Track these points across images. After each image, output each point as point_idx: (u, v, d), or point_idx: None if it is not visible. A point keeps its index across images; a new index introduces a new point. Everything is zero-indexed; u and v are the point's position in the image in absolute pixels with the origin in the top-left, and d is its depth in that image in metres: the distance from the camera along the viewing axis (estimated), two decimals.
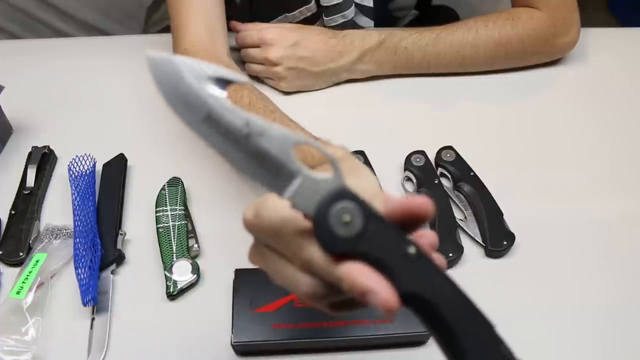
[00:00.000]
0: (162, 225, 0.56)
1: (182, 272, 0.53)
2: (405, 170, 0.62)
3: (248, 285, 0.50)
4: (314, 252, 0.28)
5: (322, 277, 0.28)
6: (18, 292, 0.51)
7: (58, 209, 0.60)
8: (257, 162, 0.28)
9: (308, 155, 0.45)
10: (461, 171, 0.61)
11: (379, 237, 0.27)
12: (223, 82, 0.28)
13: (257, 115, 0.27)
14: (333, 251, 0.27)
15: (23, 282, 0.51)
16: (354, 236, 0.27)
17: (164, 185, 0.60)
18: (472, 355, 0.27)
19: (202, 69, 0.27)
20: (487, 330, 0.28)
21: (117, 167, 0.63)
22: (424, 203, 0.27)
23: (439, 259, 0.29)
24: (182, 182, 0.60)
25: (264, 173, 0.28)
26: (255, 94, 0.58)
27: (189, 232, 0.56)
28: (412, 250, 0.27)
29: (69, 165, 0.61)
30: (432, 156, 0.63)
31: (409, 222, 0.28)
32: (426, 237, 0.29)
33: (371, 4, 0.78)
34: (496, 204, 0.58)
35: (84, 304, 0.50)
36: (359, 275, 0.26)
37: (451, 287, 0.28)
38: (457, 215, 0.58)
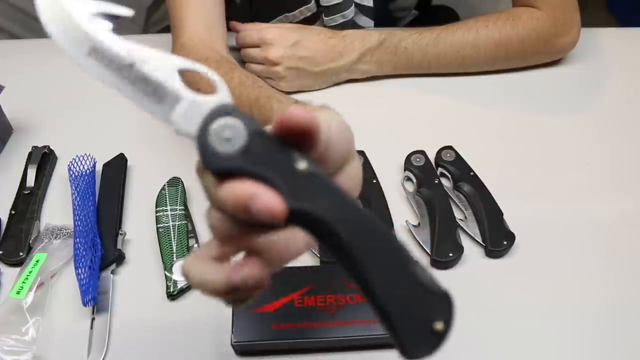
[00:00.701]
0: (162, 225, 0.56)
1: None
2: (405, 170, 0.62)
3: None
4: (208, 178, 0.27)
5: (217, 205, 0.28)
6: (18, 292, 0.51)
7: (58, 208, 0.60)
8: (143, 89, 0.28)
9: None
10: (461, 171, 0.61)
11: (263, 153, 0.26)
12: (108, 17, 0.28)
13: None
14: (214, 168, 0.26)
15: (23, 282, 0.51)
16: (236, 152, 0.26)
17: (164, 185, 0.60)
18: (379, 281, 0.25)
19: (88, 6, 0.28)
20: (395, 252, 0.26)
21: (117, 167, 0.63)
22: (298, 113, 0.26)
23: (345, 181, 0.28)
24: (182, 182, 0.60)
25: (150, 100, 0.28)
26: (244, 73, 0.58)
27: (189, 232, 0.56)
28: (301, 165, 0.26)
29: (69, 165, 0.61)
30: (432, 156, 0.63)
31: (299, 138, 0.26)
32: (342, 179, 0.27)
33: (371, 4, 0.78)
34: (496, 203, 0.58)
35: (84, 304, 0.50)
36: (240, 186, 0.25)
37: (347, 205, 0.26)
38: (457, 215, 0.58)
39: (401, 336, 0.25)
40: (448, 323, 0.25)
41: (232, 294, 0.28)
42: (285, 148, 0.26)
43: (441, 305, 0.26)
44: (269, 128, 0.27)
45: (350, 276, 0.27)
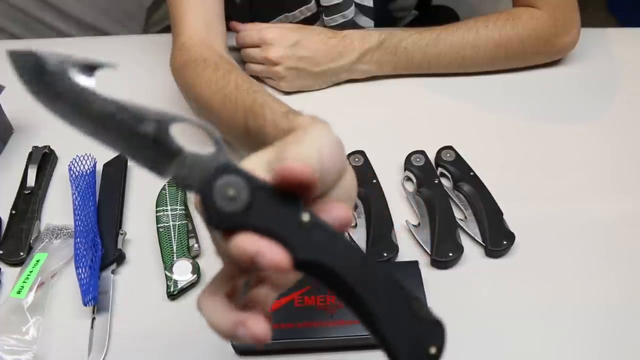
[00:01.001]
0: (162, 225, 0.57)
1: (182, 272, 0.53)
2: (405, 170, 0.63)
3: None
4: (215, 234, 0.28)
5: (226, 258, 0.29)
6: (19, 292, 0.51)
7: (58, 208, 0.60)
8: (136, 145, 0.28)
9: (271, 125, 0.45)
10: (461, 171, 0.61)
11: (267, 208, 0.27)
12: (89, 68, 0.28)
13: (152, 110, 0.28)
14: (221, 227, 0.27)
15: (24, 282, 0.52)
16: (241, 210, 0.26)
17: (165, 185, 0.60)
18: (382, 316, 0.28)
19: (67, 58, 0.28)
20: (393, 290, 0.28)
21: (118, 167, 0.63)
22: (294, 166, 0.26)
23: (339, 219, 0.28)
24: None
25: (144, 155, 0.28)
26: (241, 76, 0.58)
27: (190, 231, 0.56)
28: (305, 217, 0.27)
29: (69, 165, 0.61)
30: (432, 156, 0.63)
31: (296, 189, 0.27)
32: (331, 210, 0.28)
33: (371, 4, 0.78)
34: (496, 203, 0.58)
35: (85, 304, 0.50)
36: (246, 241, 0.26)
37: (350, 252, 0.28)
38: (457, 215, 0.58)
39: None
40: (440, 348, 0.28)
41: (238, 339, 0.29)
42: (287, 201, 0.27)
43: (435, 333, 0.29)
44: (268, 177, 0.28)
45: (356, 314, 0.29)
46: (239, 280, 0.31)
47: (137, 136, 0.28)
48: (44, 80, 0.28)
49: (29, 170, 0.62)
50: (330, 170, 0.30)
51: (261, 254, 0.26)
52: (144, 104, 0.28)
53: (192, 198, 0.61)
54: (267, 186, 0.27)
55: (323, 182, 0.30)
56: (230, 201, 0.27)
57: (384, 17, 0.83)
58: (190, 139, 0.29)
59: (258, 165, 0.31)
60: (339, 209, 0.28)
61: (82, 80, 0.28)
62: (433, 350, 0.28)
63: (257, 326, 0.28)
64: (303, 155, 0.29)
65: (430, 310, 0.29)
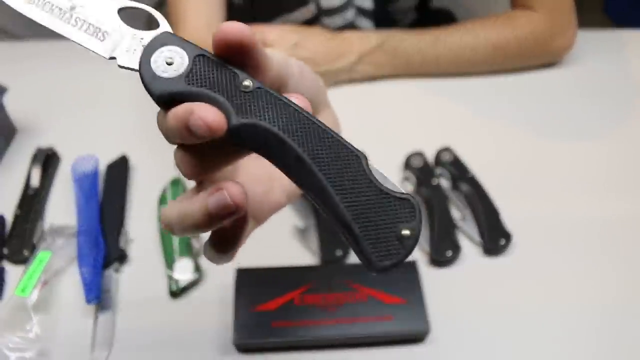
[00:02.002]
0: None
1: (184, 271, 0.54)
2: (404, 171, 0.63)
3: (249, 284, 0.50)
4: (160, 114, 0.28)
5: (170, 138, 0.27)
6: (23, 290, 0.51)
7: (62, 208, 0.61)
8: (85, 29, 0.28)
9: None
10: (459, 172, 0.62)
11: (207, 75, 0.26)
12: None
13: None
14: (159, 93, 0.26)
15: (28, 280, 0.52)
16: (179, 76, 0.26)
17: (166, 185, 0.61)
18: (335, 189, 0.25)
19: None
20: (350, 159, 0.25)
21: (120, 168, 0.63)
22: (232, 27, 0.26)
23: (300, 99, 0.27)
24: (183, 182, 0.61)
25: (92, 39, 0.28)
26: None
27: None
28: (247, 82, 0.26)
29: (72, 166, 0.61)
30: (430, 157, 0.64)
31: (235, 51, 0.26)
32: (291, 96, 0.27)
33: (371, 7, 0.79)
34: (494, 203, 0.59)
35: (88, 302, 0.51)
36: (180, 107, 0.25)
37: (296, 114, 0.26)
38: (456, 215, 0.59)
39: (365, 245, 0.24)
40: (414, 229, 0.25)
41: (213, 224, 0.27)
42: (229, 68, 0.26)
43: (405, 210, 0.25)
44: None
45: (307, 191, 0.26)
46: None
47: (85, 21, 0.29)
48: None
49: (33, 171, 0.62)
50: (299, 84, 0.30)
51: (193, 113, 0.24)
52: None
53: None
54: (208, 54, 0.27)
55: (277, 68, 0.29)
56: (168, 67, 0.26)
57: (383, 19, 0.84)
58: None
59: None
60: (296, 96, 0.27)
61: None
62: (406, 232, 0.24)
63: (230, 187, 0.26)
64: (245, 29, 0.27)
65: (397, 187, 0.25)
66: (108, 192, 0.61)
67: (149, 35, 0.27)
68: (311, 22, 0.79)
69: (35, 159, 0.64)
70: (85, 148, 0.64)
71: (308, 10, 0.77)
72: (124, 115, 0.71)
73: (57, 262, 0.55)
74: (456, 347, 0.50)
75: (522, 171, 0.65)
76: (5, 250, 0.56)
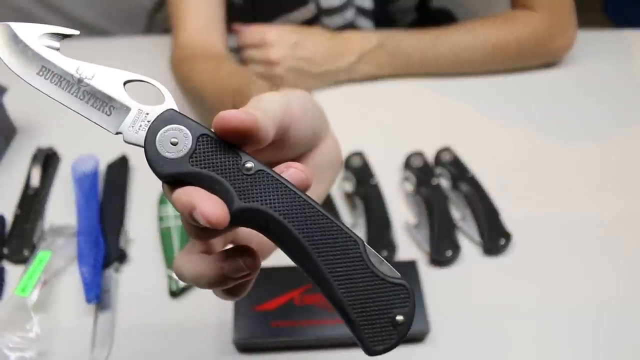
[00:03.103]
0: (164, 225, 0.57)
1: None
2: (404, 171, 0.63)
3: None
4: (164, 187, 0.28)
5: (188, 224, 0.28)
6: (23, 290, 0.51)
7: (62, 208, 0.61)
8: (92, 103, 0.29)
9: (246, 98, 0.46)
10: (459, 171, 0.62)
11: (209, 155, 0.26)
12: (56, 37, 0.30)
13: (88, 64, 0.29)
14: (163, 174, 0.26)
15: (28, 280, 0.52)
16: (183, 156, 0.26)
17: None
18: (334, 275, 0.25)
19: (36, 28, 0.29)
20: (348, 244, 0.26)
21: (120, 168, 0.63)
22: (232, 115, 0.26)
23: (297, 173, 0.27)
24: None
25: (99, 113, 0.29)
26: (233, 65, 0.59)
27: None
28: (249, 164, 0.26)
29: (72, 166, 0.62)
30: (430, 157, 0.64)
31: (237, 137, 0.27)
32: (290, 168, 0.27)
33: (371, 7, 0.79)
34: (493, 203, 0.59)
35: (88, 302, 0.51)
36: (183, 194, 0.26)
37: (296, 199, 0.26)
38: (456, 214, 0.59)
39: (361, 331, 0.25)
40: (408, 315, 0.25)
41: (227, 284, 0.28)
42: (231, 148, 0.27)
43: (400, 297, 0.26)
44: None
45: (305, 272, 0.26)
46: (213, 244, 0.30)
47: (92, 93, 0.29)
48: (16, 50, 0.29)
49: (33, 171, 0.62)
50: (301, 127, 0.30)
51: (196, 206, 0.25)
52: (98, 66, 0.29)
53: None
54: (211, 133, 0.27)
55: (293, 137, 0.29)
56: (172, 147, 0.27)
57: (383, 19, 0.84)
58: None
59: None
60: (294, 167, 0.27)
61: (48, 45, 0.29)
62: (400, 317, 0.25)
63: (244, 257, 0.26)
64: (261, 105, 0.28)
65: (393, 269, 0.26)
66: (108, 192, 0.61)
67: (154, 112, 0.28)
68: (311, 22, 0.79)
69: (35, 159, 0.64)
70: (85, 148, 0.64)
71: (308, 10, 0.77)
72: None
73: (57, 262, 0.55)
74: (456, 347, 0.50)
75: (522, 171, 0.65)
76: (5, 250, 0.56)
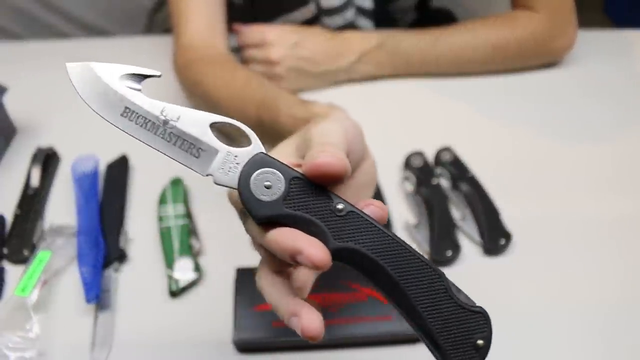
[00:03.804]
0: (164, 225, 0.57)
1: (184, 271, 0.54)
2: (404, 170, 0.63)
3: (249, 284, 0.50)
4: (251, 226, 0.29)
5: (265, 250, 0.30)
6: (23, 290, 0.51)
7: (62, 208, 0.61)
8: (179, 145, 0.29)
9: (286, 115, 0.47)
10: (459, 171, 0.62)
11: (302, 197, 0.28)
12: (137, 77, 0.30)
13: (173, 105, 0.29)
14: (260, 216, 0.28)
15: (28, 280, 0.52)
16: (278, 199, 0.28)
17: (166, 185, 0.61)
18: (423, 306, 0.28)
19: (117, 69, 0.30)
20: (432, 277, 0.28)
21: (120, 168, 0.63)
22: (327, 160, 0.27)
23: (377, 211, 0.29)
24: (183, 182, 0.61)
25: (187, 155, 0.29)
26: (247, 73, 0.60)
27: (191, 231, 0.57)
28: (340, 205, 0.28)
29: (72, 166, 0.62)
30: (430, 157, 0.64)
31: (329, 181, 0.28)
32: (370, 206, 0.29)
33: (371, 6, 0.79)
34: (494, 203, 0.59)
35: (88, 301, 0.51)
36: (284, 237, 0.27)
37: (386, 238, 0.28)
38: (456, 214, 0.59)
39: (448, 356, 0.28)
40: (487, 339, 0.28)
41: None
42: (322, 191, 0.28)
43: (480, 323, 0.28)
44: (300, 169, 0.29)
45: (395, 304, 0.29)
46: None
47: (178, 136, 0.29)
48: (99, 92, 0.29)
49: (33, 171, 0.62)
50: (355, 152, 0.31)
51: (301, 250, 0.26)
52: (183, 108, 0.30)
53: (194, 198, 0.61)
54: (302, 177, 0.28)
55: (350, 160, 0.30)
56: (266, 191, 0.28)
57: (383, 19, 0.84)
58: (227, 137, 0.30)
59: (288, 152, 0.32)
60: (374, 204, 0.29)
61: (131, 86, 0.30)
62: (480, 341, 0.28)
63: (309, 321, 0.28)
64: (331, 143, 0.29)
65: (469, 298, 0.29)
66: (108, 192, 0.61)
67: (242, 154, 0.29)
68: (311, 22, 0.79)
69: (35, 158, 0.64)
70: (85, 148, 0.64)
71: (308, 10, 0.77)
72: None
73: (57, 262, 0.55)
74: None
75: (522, 171, 0.65)
76: (5, 250, 0.56)
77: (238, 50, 0.75)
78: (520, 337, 0.50)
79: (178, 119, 0.29)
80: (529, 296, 0.53)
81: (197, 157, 0.29)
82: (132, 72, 0.30)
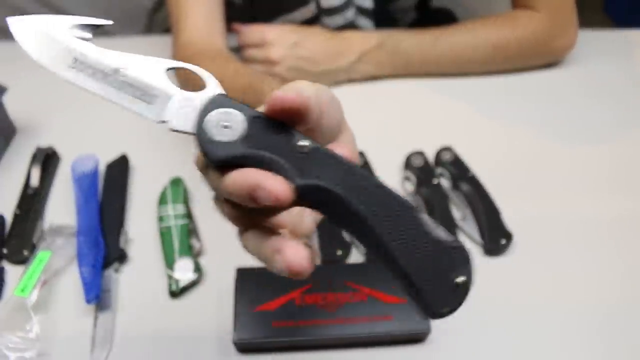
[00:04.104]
0: (164, 225, 0.57)
1: (184, 271, 0.54)
2: (404, 170, 0.63)
3: (249, 284, 0.50)
4: (212, 173, 0.28)
5: (224, 196, 0.28)
6: (22, 290, 0.51)
7: (62, 208, 0.61)
8: (131, 93, 0.28)
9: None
10: (460, 171, 0.62)
11: (263, 136, 0.26)
12: (87, 27, 0.29)
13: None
14: (217, 158, 0.26)
15: (27, 280, 0.52)
16: (237, 140, 0.26)
17: (166, 185, 0.60)
18: (395, 244, 0.26)
19: (65, 20, 0.29)
20: (406, 213, 0.26)
21: (120, 168, 0.63)
22: (289, 95, 0.26)
23: (345, 152, 0.27)
24: (183, 181, 0.61)
25: (140, 103, 0.28)
26: (239, 64, 0.59)
27: (191, 231, 0.57)
28: (303, 142, 0.26)
29: (72, 166, 0.61)
30: (431, 156, 0.64)
31: (290, 116, 0.27)
32: (337, 148, 0.27)
33: (371, 6, 0.79)
34: (494, 203, 0.59)
35: (88, 302, 0.51)
36: (242, 175, 0.25)
37: (354, 173, 0.26)
38: (456, 214, 0.59)
39: (425, 295, 0.26)
40: (468, 275, 0.26)
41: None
42: (284, 128, 0.27)
43: (459, 259, 0.26)
44: (261, 110, 0.27)
45: (365, 245, 0.27)
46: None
47: (130, 83, 0.28)
48: (46, 44, 0.29)
49: (33, 171, 0.62)
50: (330, 116, 0.30)
51: (260, 185, 0.25)
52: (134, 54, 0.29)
53: (194, 198, 0.61)
54: (262, 116, 0.27)
55: (323, 126, 0.29)
56: (225, 131, 0.26)
57: (383, 18, 0.84)
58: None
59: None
60: (341, 147, 0.27)
61: (80, 36, 0.29)
62: (460, 279, 0.26)
63: (293, 255, 0.26)
64: (298, 86, 0.28)
65: (448, 233, 0.27)
66: (108, 192, 0.61)
67: (199, 97, 0.27)
68: (311, 21, 0.79)
69: (35, 158, 0.64)
70: (85, 148, 0.64)
71: (308, 10, 0.77)
72: (123, 115, 0.71)
73: (57, 262, 0.55)
74: (456, 347, 0.50)
75: (522, 171, 0.65)
76: (5, 250, 0.56)
77: (238, 50, 0.75)
78: (521, 336, 0.50)
79: (129, 66, 0.28)
80: (529, 296, 0.53)
81: (150, 104, 0.28)
82: (82, 22, 0.29)
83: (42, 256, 0.54)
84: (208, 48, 0.66)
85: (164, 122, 0.28)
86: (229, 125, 0.26)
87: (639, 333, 0.50)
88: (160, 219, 0.58)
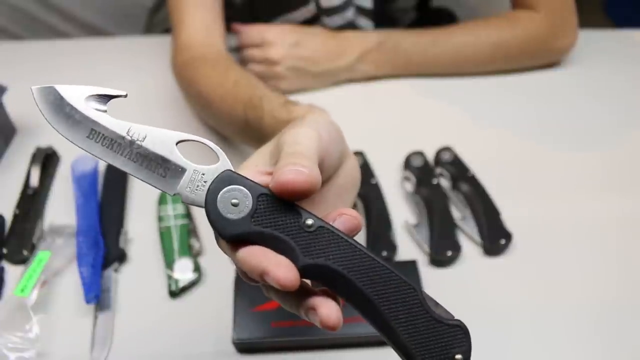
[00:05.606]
0: (164, 225, 0.57)
1: (183, 271, 0.54)
2: (404, 170, 0.63)
3: (249, 284, 0.50)
4: (223, 244, 0.29)
5: (234, 263, 0.29)
6: (22, 290, 0.51)
7: (61, 208, 0.61)
8: (146, 165, 0.29)
9: (269, 116, 0.47)
10: (459, 171, 0.62)
11: (270, 214, 0.27)
12: (103, 98, 0.30)
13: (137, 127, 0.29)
14: (227, 235, 0.28)
15: (27, 280, 0.52)
16: (245, 217, 0.27)
17: None
18: (398, 322, 0.27)
19: (82, 90, 0.30)
20: (407, 292, 0.28)
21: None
22: (295, 179, 0.27)
23: (350, 220, 0.28)
24: None
25: (153, 174, 0.29)
26: (240, 72, 0.60)
27: (191, 231, 0.57)
28: (309, 221, 0.27)
29: (72, 165, 0.61)
30: (431, 156, 0.64)
31: (296, 197, 0.28)
32: (343, 215, 0.28)
33: (371, 6, 0.79)
34: (494, 203, 0.59)
35: (87, 302, 0.51)
36: (251, 257, 0.27)
37: (358, 254, 0.28)
38: (456, 214, 0.59)
39: None
40: (466, 353, 0.28)
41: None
42: (291, 206, 0.28)
43: (458, 337, 0.28)
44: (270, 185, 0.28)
45: (369, 320, 0.28)
46: None
47: (145, 155, 0.29)
48: (64, 114, 0.29)
49: (32, 171, 0.62)
50: (332, 155, 0.31)
51: (268, 272, 0.26)
52: (149, 127, 0.29)
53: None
54: (270, 194, 0.28)
55: (325, 165, 0.30)
56: (233, 208, 0.27)
57: (383, 18, 0.84)
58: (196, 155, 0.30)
59: (262, 159, 0.31)
60: (347, 213, 0.28)
61: (97, 107, 0.30)
62: (459, 356, 0.28)
63: (328, 312, 0.27)
64: (301, 153, 0.29)
65: (448, 312, 0.28)
66: (108, 192, 0.61)
67: (210, 172, 0.28)
68: (311, 21, 0.79)
69: (34, 158, 0.64)
70: None
71: (308, 10, 0.77)
72: (123, 114, 0.71)
73: (57, 262, 0.55)
74: None
75: (522, 171, 0.65)
76: (5, 250, 0.56)
77: (238, 50, 0.75)
78: (521, 337, 0.50)
79: (144, 138, 0.29)
80: (529, 296, 0.53)
81: (164, 177, 0.29)
82: (97, 93, 0.30)
83: (41, 256, 0.54)
84: (208, 50, 0.66)
85: (177, 194, 0.29)
86: (237, 202, 0.27)
87: (639, 333, 0.50)
88: (160, 218, 0.58)
